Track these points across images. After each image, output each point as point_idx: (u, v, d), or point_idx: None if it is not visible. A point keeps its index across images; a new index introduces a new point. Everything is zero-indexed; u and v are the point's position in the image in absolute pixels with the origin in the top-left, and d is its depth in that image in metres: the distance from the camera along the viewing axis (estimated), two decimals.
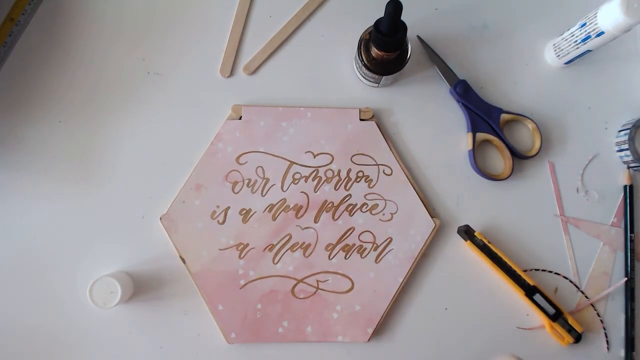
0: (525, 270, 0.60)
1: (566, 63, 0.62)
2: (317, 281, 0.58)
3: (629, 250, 0.61)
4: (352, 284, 0.59)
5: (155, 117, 0.61)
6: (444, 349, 0.59)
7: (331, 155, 0.60)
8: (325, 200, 0.59)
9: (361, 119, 0.61)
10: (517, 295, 0.59)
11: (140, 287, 0.58)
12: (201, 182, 0.59)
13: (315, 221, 0.59)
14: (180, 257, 0.58)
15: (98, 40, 0.61)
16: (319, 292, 0.58)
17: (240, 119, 0.60)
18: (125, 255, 0.59)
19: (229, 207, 0.59)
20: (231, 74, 0.62)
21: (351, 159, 0.60)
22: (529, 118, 0.61)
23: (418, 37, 0.63)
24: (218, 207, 0.59)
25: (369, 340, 0.58)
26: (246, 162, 0.59)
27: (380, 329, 0.59)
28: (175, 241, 0.58)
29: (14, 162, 0.59)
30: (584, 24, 0.56)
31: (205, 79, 0.61)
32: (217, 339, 0.57)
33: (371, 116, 0.61)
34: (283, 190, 0.59)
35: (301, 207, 0.59)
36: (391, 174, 0.60)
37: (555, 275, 0.60)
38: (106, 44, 0.61)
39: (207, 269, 0.58)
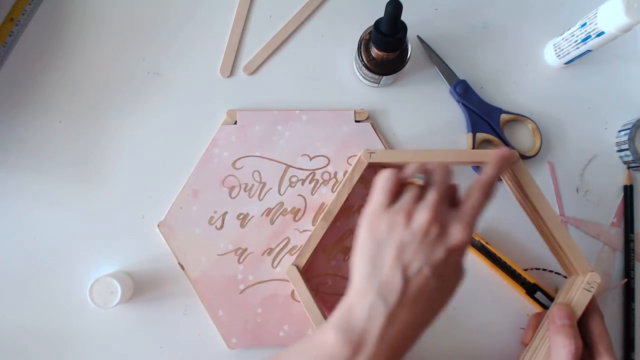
0: (525, 270, 0.60)
1: (566, 63, 0.61)
2: (317, 284, 0.59)
3: (629, 250, 0.60)
4: None
5: (155, 117, 0.61)
6: (444, 350, 0.59)
7: (327, 157, 0.60)
8: (323, 203, 0.59)
9: (356, 121, 0.61)
10: (517, 295, 0.59)
11: (140, 287, 0.58)
12: (198, 187, 0.59)
13: (313, 224, 0.59)
14: (179, 263, 0.58)
15: (98, 40, 0.61)
16: (318, 294, 0.58)
17: (235, 123, 0.60)
18: (125, 256, 0.59)
19: (226, 212, 0.59)
20: (231, 74, 0.62)
21: (347, 161, 0.60)
22: (529, 118, 0.61)
23: (418, 37, 0.62)
24: (215, 212, 0.59)
25: None
26: (242, 166, 0.59)
27: None
28: (173, 248, 0.58)
29: (13, 162, 0.59)
30: (584, 24, 0.56)
31: (205, 79, 0.61)
32: (218, 345, 0.58)
33: (366, 117, 0.61)
34: (280, 194, 0.59)
35: (299, 210, 0.59)
36: None
37: (556, 274, 0.60)
38: (106, 44, 0.61)
39: (206, 274, 0.58)
